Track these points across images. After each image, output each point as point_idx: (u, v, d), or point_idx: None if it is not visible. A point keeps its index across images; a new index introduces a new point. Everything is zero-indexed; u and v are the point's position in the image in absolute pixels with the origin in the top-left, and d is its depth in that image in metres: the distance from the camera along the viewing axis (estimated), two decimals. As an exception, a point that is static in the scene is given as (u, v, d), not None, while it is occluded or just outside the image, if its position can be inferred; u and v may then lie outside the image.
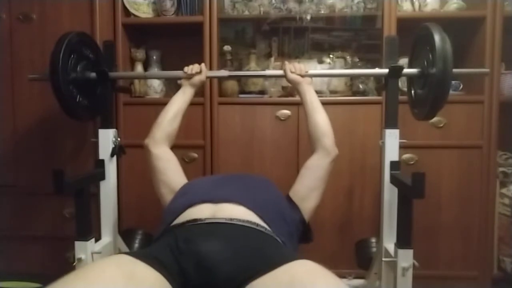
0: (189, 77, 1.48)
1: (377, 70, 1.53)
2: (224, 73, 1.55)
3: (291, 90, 1.95)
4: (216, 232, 0.96)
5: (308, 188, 1.29)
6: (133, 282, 0.77)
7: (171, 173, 1.32)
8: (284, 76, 1.47)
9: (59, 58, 1.33)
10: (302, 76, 1.44)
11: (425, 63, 1.34)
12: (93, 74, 1.50)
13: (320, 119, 1.37)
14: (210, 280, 0.86)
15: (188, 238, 0.94)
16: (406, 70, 1.44)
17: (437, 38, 1.24)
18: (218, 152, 1.95)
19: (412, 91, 1.51)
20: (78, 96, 1.46)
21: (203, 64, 1.50)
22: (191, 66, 1.49)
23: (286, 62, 1.49)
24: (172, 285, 0.85)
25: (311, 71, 1.48)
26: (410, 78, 1.53)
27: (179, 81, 1.53)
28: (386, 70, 1.45)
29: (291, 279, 0.77)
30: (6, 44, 1.89)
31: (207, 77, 1.51)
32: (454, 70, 1.26)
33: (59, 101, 1.37)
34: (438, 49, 1.23)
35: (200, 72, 1.48)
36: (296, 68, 1.45)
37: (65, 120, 1.89)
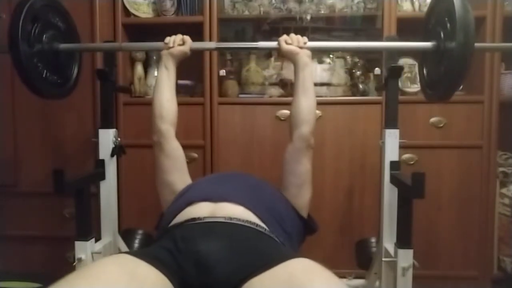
0: (170, 47, 1.31)
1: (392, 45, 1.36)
2: (210, 44, 1.41)
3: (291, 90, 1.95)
4: (215, 231, 0.96)
5: (295, 186, 1.23)
6: (135, 281, 0.77)
7: (176, 174, 1.25)
8: (278, 48, 1.30)
9: (19, 26, 1.15)
10: (300, 47, 1.28)
11: (442, 35, 1.17)
12: (63, 46, 1.32)
13: (306, 104, 1.22)
14: (210, 279, 0.86)
15: (187, 237, 0.94)
16: (418, 44, 1.28)
17: (458, 5, 1.07)
18: (218, 152, 1.95)
19: (425, 69, 1.34)
20: (45, 71, 1.28)
21: (186, 36, 1.33)
22: (173, 37, 1.32)
23: (283, 36, 1.32)
24: (173, 284, 0.85)
25: (311, 43, 1.30)
26: (423, 54, 1.36)
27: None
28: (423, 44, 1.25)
29: (289, 276, 0.77)
30: (6, 44, 1.88)
31: (191, 49, 1.33)
32: (477, 44, 1.12)
33: (20, 77, 1.21)
34: (459, 18, 1.05)
35: (183, 44, 1.32)
36: (292, 39, 1.29)
37: (65, 120, 1.90)
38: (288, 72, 2.06)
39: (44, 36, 1.27)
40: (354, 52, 2.09)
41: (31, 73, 1.22)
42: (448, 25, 1.13)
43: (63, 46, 1.33)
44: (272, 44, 1.33)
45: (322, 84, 2.01)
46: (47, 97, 1.37)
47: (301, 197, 1.24)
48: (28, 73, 1.21)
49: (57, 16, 1.35)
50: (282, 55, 1.32)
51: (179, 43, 1.31)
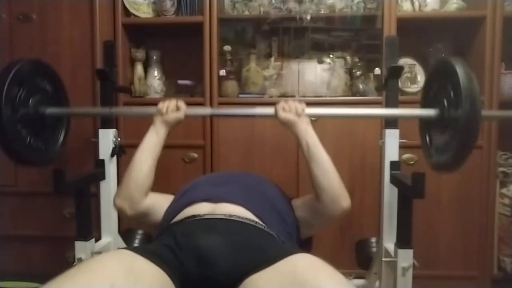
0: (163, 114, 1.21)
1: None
2: (206, 111, 1.29)
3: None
4: (215, 227, 0.96)
5: (306, 223, 1.19)
6: (133, 276, 0.77)
7: (159, 215, 1.16)
8: (275, 115, 1.22)
9: (3, 91, 1.08)
10: (298, 115, 1.19)
11: (445, 103, 1.12)
12: (49, 110, 1.25)
13: (318, 172, 1.12)
14: (210, 274, 0.87)
15: (187, 232, 0.94)
16: (421, 111, 1.21)
17: (461, 74, 1.02)
18: (218, 152, 1.95)
19: (427, 137, 1.26)
20: (29, 138, 1.20)
21: (181, 101, 1.24)
22: (167, 103, 1.22)
23: (280, 103, 1.22)
24: (172, 280, 0.85)
25: (309, 110, 1.21)
26: (425, 121, 1.27)
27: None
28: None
29: (293, 271, 0.77)
30: (6, 44, 1.88)
31: (186, 116, 1.24)
32: (484, 112, 1.07)
33: (2, 144, 1.12)
34: (464, 88, 1.00)
35: (177, 110, 1.22)
36: (290, 107, 1.19)
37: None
38: (288, 72, 2.07)
39: (30, 100, 1.20)
40: (354, 52, 2.10)
41: (13, 142, 1.13)
42: (452, 93, 1.07)
43: (49, 110, 1.26)
44: (269, 111, 1.24)
45: (322, 85, 2.02)
46: (30, 165, 1.29)
47: (307, 230, 1.21)
48: (10, 142, 1.12)
49: (45, 79, 1.29)
50: (279, 122, 1.22)
51: (173, 110, 1.22)
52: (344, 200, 1.13)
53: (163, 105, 1.22)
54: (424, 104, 1.27)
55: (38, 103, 1.23)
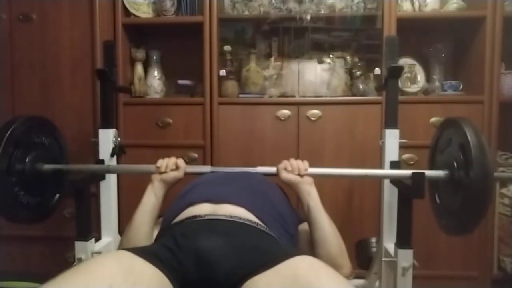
0: (162, 172, 1.21)
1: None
2: (206, 168, 1.29)
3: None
4: (216, 228, 0.96)
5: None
6: (132, 277, 0.77)
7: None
8: (277, 175, 1.21)
9: None
10: (301, 175, 1.18)
11: (455, 165, 1.07)
12: (47, 167, 1.26)
13: (318, 237, 1.11)
14: (210, 275, 0.86)
15: (187, 233, 0.94)
16: (429, 172, 1.17)
17: (472, 138, 0.98)
18: (218, 152, 1.95)
19: (437, 197, 1.22)
20: (26, 197, 1.21)
21: (180, 160, 1.24)
22: (166, 160, 1.21)
23: (283, 162, 1.22)
24: (171, 281, 0.85)
25: (312, 170, 1.20)
26: (434, 181, 1.23)
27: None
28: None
29: (294, 273, 0.77)
30: (6, 44, 1.89)
31: (186, 174, 1.23)
32: (496, 174, 1.05)
33: None
34: (475, 153, 0.96)
35: (176, 169, 1.22)
36: (293, 167, 1.19)
37: (65, 120, 1.90)
38: (288, 72, 2.07)
39: (27, 158, 1.21)
40: (354, 52, 2.10)
41: (10, 205, 1.14)
42: (461, 155, 1.04)
43: (46, 167, 1.26)
44: (271, 170, 1.25)
45: (322, 84, 2.02)
46: (21, 223, 1.28)
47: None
48: (6, 206, 1.13)
49: (41, 134, 1.29)
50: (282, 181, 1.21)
51: (172, 168, 1.21)
52: (342, 268, 1.10)
53: (162, 163, 1.21)
54: (431, 165, 1.25)
55: (35, 160, 1.23)
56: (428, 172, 1.16)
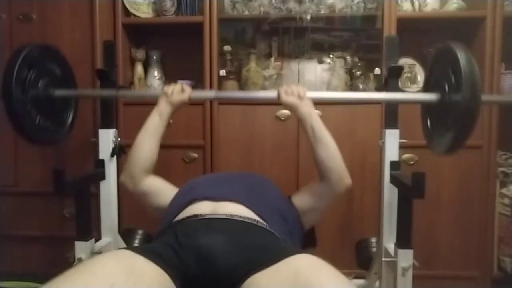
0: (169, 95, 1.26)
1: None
2: (210, 93, 1.32)
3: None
4: (217, 227, 0.97)
5: (309, 210, 1.23)
6: (133, 276, 0.77)
7: (162, 199, 1.22)
8: (278, 99, 1.25)
9: (13, 73, 1.12)
10: (301, 98, 1.22)
11: (446, 87, 1.12)
12: (58, 92, 1.29)
13: (324, 154, 1.17)
14: (211, 273, 0.87)
15: (189, 232, 0.95)
16: (422, 96, 1.23)
17: (462, 58, 1.02)
18: (218, 152, 1.95)
19: (428, 121, 1.27)
20: (38, 117, 1.24)
21: (186, 85, 1.28)
22: (172, 86, 1.27)
23: (283, 86, 1.26)
24: (172, 279, 0.85)
25: (311, 94, 1.24)
26: (426, 105, 1.28)
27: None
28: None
29: (295, 271, 0.77)
30: (6, 44, 1.88)
31: (190, 99, 1.27)
32: (484, 96, 1.07)
33: (13, 124, 1.16)
34: (464, 72, 1.01)
35: (183, 92, 1.26)
36: (293, 91, 1.22)
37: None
38: (288, 72, 2.07)
39: (40, 82, 1.24)
40: (354, 52, 2.10)
41: (23, 120, 1.18)
42: (453, 78, 1.08)
43: (58, 92, 1.29)
44: (272, 94, 1.28)
45: (322, 84, 2.02)
46: (39, 144, 1.32)
47: (309, 218, 1.24)
48: (21, 120, 1.17)
49: (53, 62, 1.32)
50: (282, 105, 1.26)
51: (178, 91, 1.26)
52: (347, 178, 1.20)
53: (168, 88, 1.26)
54: (426, 90, 1.28)
55: (47, 85, 1.26)
56: (421, 95, 1.21)
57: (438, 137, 1.19)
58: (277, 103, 1.92)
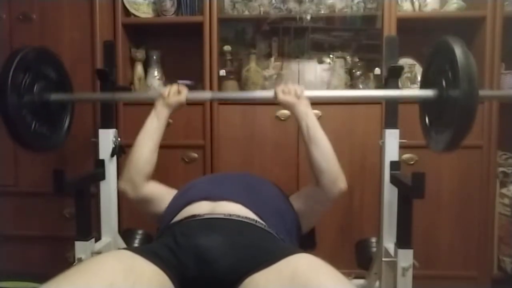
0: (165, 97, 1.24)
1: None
2: (206, 94, 1.31)
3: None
4: (215, 226, 0.97)
5: (306, 213, 1.22)
6: (132, 276, 0.78)
7: (162, 205, 1.19)
8: (275, 99, 1.24)
9: (8, 78, 1.08)
10: (298, 97, 1.20)
11: (444, 83, 1.11)
12: (54, 96, 1.26)
13: (317, 154, 1.15)
14: (210, 273, 0.87)
15: (187, 232, 0.95)
16: (419, 92, 1.22)
17: (458, 52, 1.01)
18: (218, 152, 1.95)
19: (427, 118, 1.25)
20: (34, 123, 1.21)
21: (183, 86, 1.27)
22: (169, 87, 1.25)
23: (280, 85, 1.25)
24: (171, 279, 0.85)
25: (308, 93, 1.23)
26: (424, 102, 1.27)
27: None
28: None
29: (293, 271, 0.77)
30: (6, 44, 1.88)
31: (187, 100, 1.26)
32: (482, 92, 1.05)
33: (8, 130, 1.13)
34: (461, 66, 0.99)
35: (179, 94, 1.25)
36: (290, 90, 1.21)
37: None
38: (288, 72, 2.07)
39: (35, 86, 1.21)
40: (354, 52, 2.10)
41: (19, 127, 1.14)
42: (450, 73, 1.07)
43: (54, 96, 1.27)
44: (269, 94, 1.27)
45: (322, 84, 2.02)
46: (36, 151, 1.29)
47: (307, 220, 1.23)
48: (16, 127, 1.13)
49: (49, 66, 1.29)
50: (279, 104, 1.24)
51: (175, 93, 1.24)
52: (341, 181, 1.16)
53: (165, 89, 1.25)
54: (423, 86, 1.26)
55: (43, 89, 1.24)
56: (418, 92, 1.19)
57: (437, 135, 1.17)
58: (275, 103, 1.93)
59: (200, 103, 1.93)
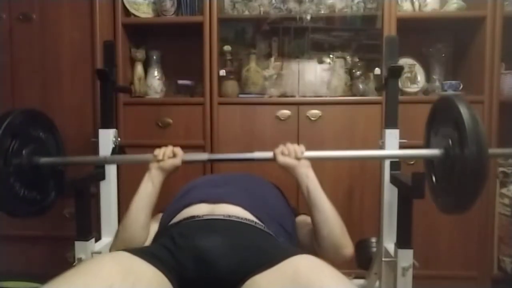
0: (160, 160, 1.17)
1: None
2: (203, 156, 1.25)
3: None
4: (214, 227, 0.97)
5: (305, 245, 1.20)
6: (131, 278, 0.78)
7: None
8: (274, 160, 1.17)
9: None
10: (298, 159, 1.15)
11: (450, 142, 1.06)
12: (44, 160, 1.21)
13: (319, 219, 1.09)
14: (209, 274, 0.87)
15: (186, 233, 0.95)
16: (426, 152, 1.16)
17: (465, 114, 0.97)
18: (218, 152, 1.95)
19: (433, 177, 1.18)
20: (23, 190, 1.16)
21: (177, 148, 1.19)
22: (163, 149, 1.18)
23: (279, 146, 1.18)
24: (170, 280, 0.85)
25: (308, 153, 1.17)
26: (429, 160, 1.21)
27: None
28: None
29: (295, 272, 0.77)
30: (6, 44, 1.89)
31: (183, 162, 1.18)
32: (491, 151, 1.00)
33: None
34: (469, 130, 0.95)
35: (174, 157, 1.17)
36: (289, 150, 1.15)
37: (65, 120, 1.90)
38: (288, 72, 2.07)
39: (24, 151, 1.17)
40: (354, 52, 2.10)
41: (6, 197, 1.10)
42: (456, 133, 1.02)
43: (43, 160, 1.22)
44: (268, 155, 1.19)
45: (322, 84, 2.01)
46: (23, 218, 1.25)
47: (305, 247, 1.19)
48: (3, 197, 1.09)
49: (38, 128, 1.26)
50: (278, 166, 1.18)
51: (169, 156, 1.17)
52: (345, 249, 1.11)
53: (159, 152, 1.18)
54: (427, 143, 1.23)
55: (32, 153, 1.19)
56: (424, 151, 1.16)
57: (447, 195, 1.10)
58: (277, 103, 1.92)
59: (200, 103, 1.93)
